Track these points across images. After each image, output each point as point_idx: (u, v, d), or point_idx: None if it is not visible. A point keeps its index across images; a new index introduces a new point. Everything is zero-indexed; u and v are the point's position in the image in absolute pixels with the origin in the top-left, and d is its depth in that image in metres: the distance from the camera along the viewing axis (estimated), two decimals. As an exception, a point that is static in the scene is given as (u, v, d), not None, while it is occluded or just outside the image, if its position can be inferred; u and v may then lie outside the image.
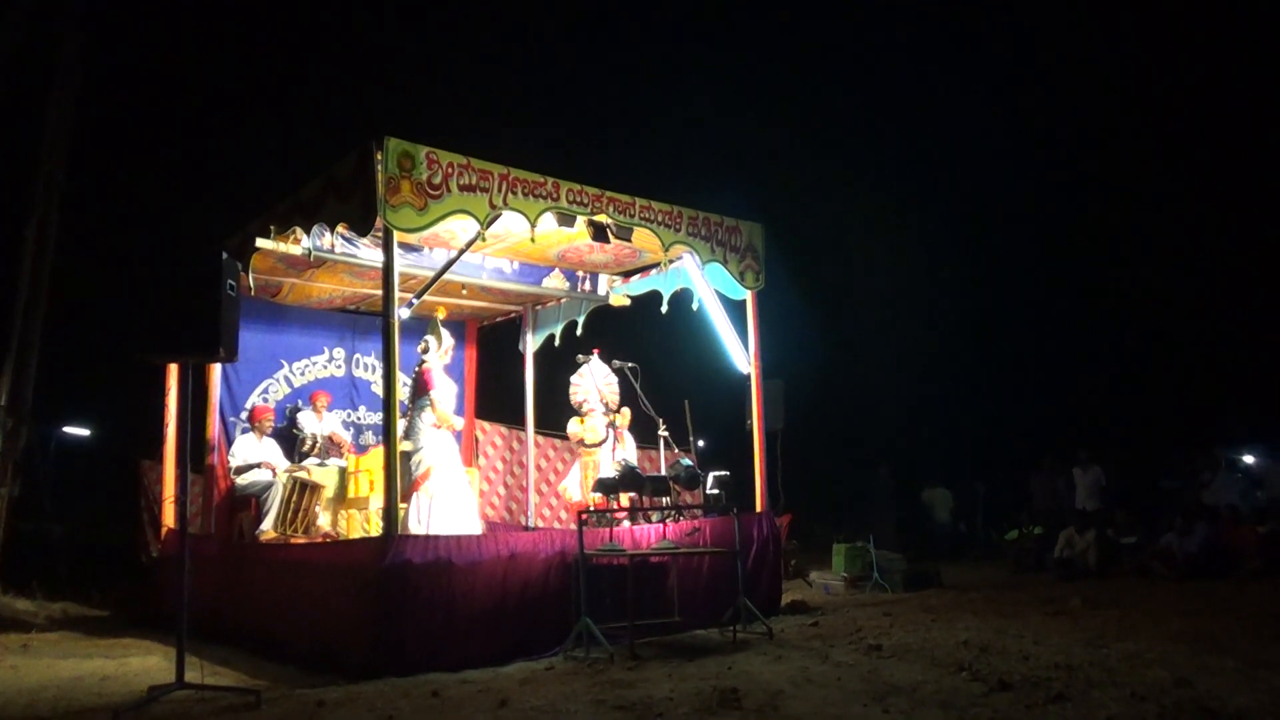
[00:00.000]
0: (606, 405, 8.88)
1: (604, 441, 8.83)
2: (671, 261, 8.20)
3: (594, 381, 8.91)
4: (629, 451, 8.94)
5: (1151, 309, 20.63)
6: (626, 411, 9.02)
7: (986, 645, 5.65)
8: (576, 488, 9.05)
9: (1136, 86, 21.42)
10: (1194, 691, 4.36)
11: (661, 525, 7.23)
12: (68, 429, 10.91)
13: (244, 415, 8.89)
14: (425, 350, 8.08)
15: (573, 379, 9.02)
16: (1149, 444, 16.46)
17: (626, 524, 7.22)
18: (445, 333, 8.28)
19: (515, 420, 10.69)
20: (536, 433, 10.41)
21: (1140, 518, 11.87)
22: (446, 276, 7.91)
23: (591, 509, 8.06)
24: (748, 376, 8.28)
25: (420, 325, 8.87)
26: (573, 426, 9.07)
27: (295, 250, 7.58)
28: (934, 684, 4.72)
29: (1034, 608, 7.57)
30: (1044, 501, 13.14)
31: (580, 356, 9.05)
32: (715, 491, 7.58)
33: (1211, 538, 9.86)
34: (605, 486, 7.36)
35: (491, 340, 10.99)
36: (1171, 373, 19.94)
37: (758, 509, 8.02)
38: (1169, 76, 20.56)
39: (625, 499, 7.61)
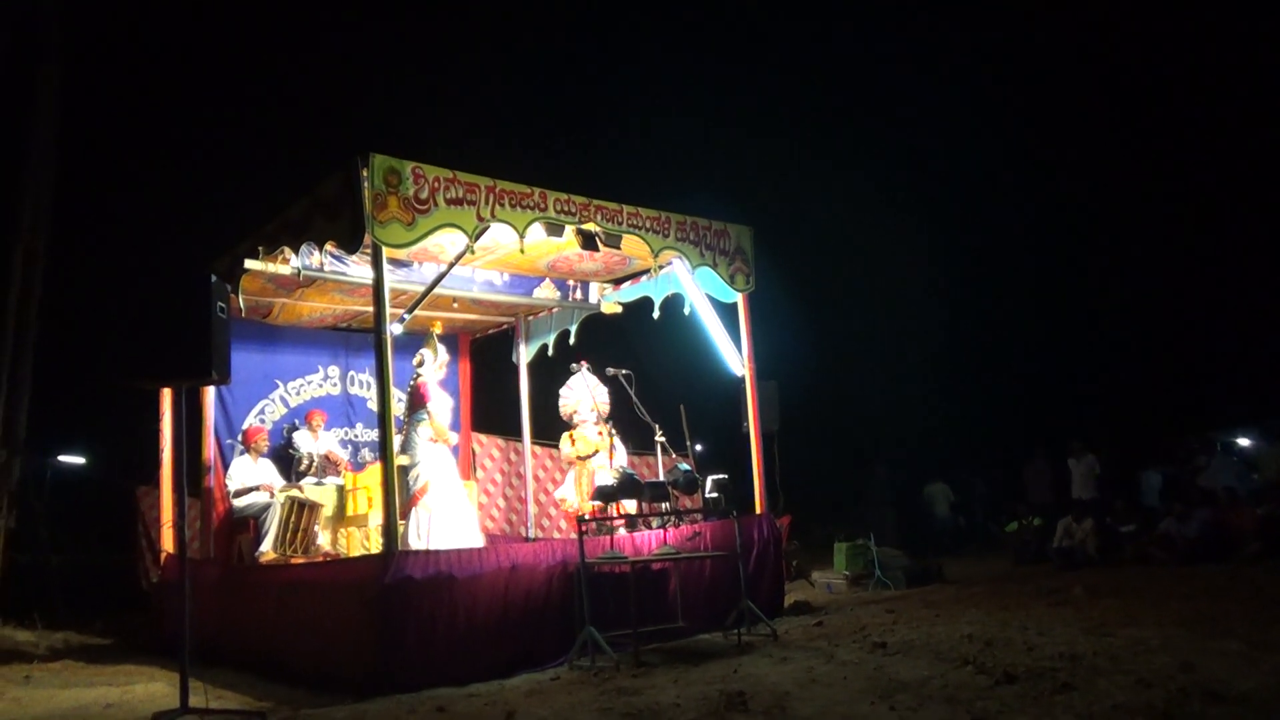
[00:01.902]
0: (598, 414, 8.66)
1: (598, 452, 8.59)
2: (661, 267, 8.21)
3: (585, 391, 8.70)
4: (621, 458, 8.77)
5: (1139, 294, 20.71)
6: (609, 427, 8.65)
7: (991, 638, 5.66)
8: (573, 495, 8.78)
9: (1123, 77, 21.51)
10: (1199, 676, 4.37)
11: (662, 531, 7.23)
12: (63, 458, 10.84)
13: (239, 437, 8.87)
14: (420, 364, 8.08)
15: (562, 391, 8.80)
16: (1142, 430, 16.50)
17: (624, 531, 7.21)
18: (441, 346, 8.27)
19: (512, 431, 10.67)
20: (534, 443, 10.40)
21: (1137, 505, 11.91)
22: (437, 291, 7.91)
23: (586, 517, 8.04)
24: (742, 379, 8.29)
25: (413, 340, 8.87)
26: (564, 447, 8.77)
27: (284, 270, 7.58)
28: (940, 679, 4.73)
29: (1036, 599, 7.59)
30: (1039, 493, 13.17)
31: (573, 365, 8.85)
32: (714, 495, 7.58)
33: (1210, 522, 9.89)
34: (604, 494, 7.35)
35: (485, 352, 10.99)
36: (1162, 358, 20.01)
37: (757, 511, 8.02)
38: (1157, 68, 20.66)
39: (625, 506, 7.59)
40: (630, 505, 7.57)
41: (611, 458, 8.31)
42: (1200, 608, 6.43)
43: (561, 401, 8.79)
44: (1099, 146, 21.85)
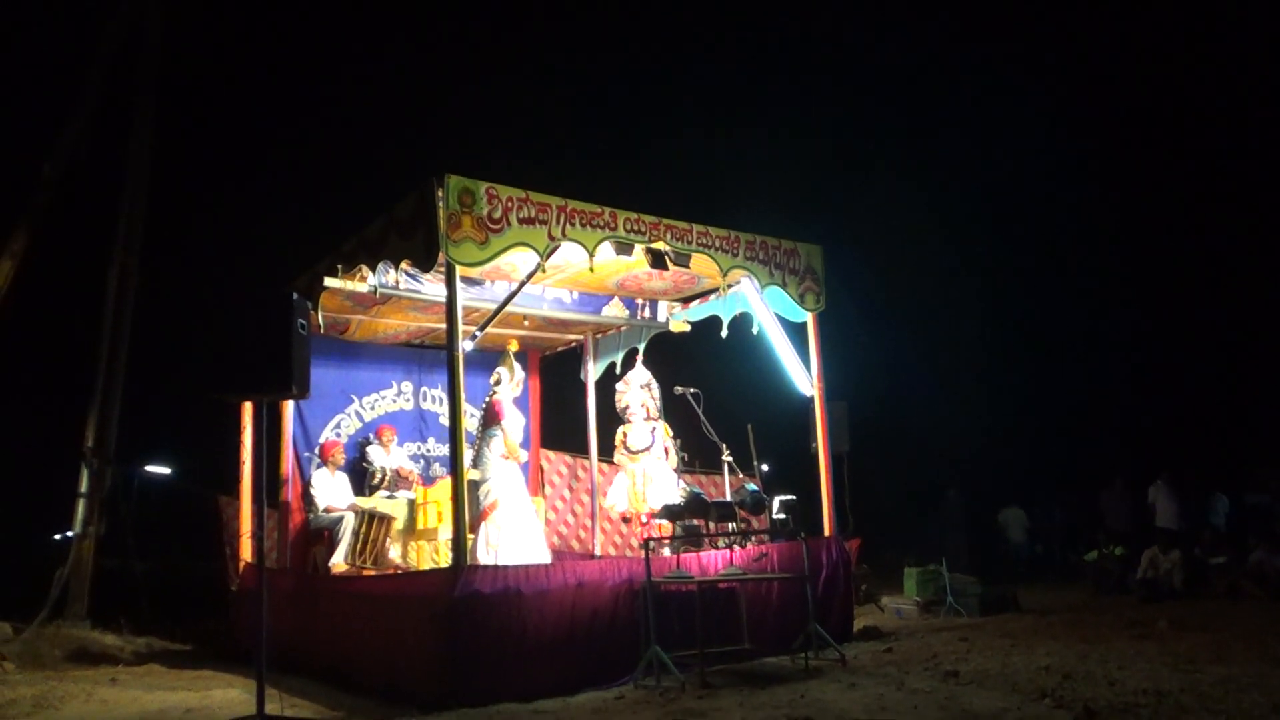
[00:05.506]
0: (646, 411, 8.78)
1: (650, 447, 8.68)
2: (730, 286, 8.20)
3: (637, 387, 8.85)
4: (671, 464, 8.72)
5: (1226, 313, 19.93)
6: (665, 426, 8.86)
7: (1069, 671, 5.47)
8: (623, 497, 8.83)
9: (1214, 87, 20.71)
10: (1294, 717, 4.17)
11: (729, 551, 7.18)
12: (150, 468, 11.27)
13: (316, 450, 9.10)
14: (498, 381, 8.20)
15: (618, 386, 9.02)
16: (1232, 457, 15.82)
17: (669, 552, 7.17)
18: (517, 365, 8.37)
19: (579, 449, 10.74)
20: (600, 461, 10.44)
21: (1228, 536, 11.43)
22: (508, 309, 8.02)
23: (638, 518, 8.08)
24: (811, 399, 8.21)
25: (484, 357, 9.00)
26: (618, 438, 8.98)
27: (362, 288, 7.76)
28: (1015, 712, 4.59)
29: (1118, 631, 7.32)
30: (1116, 520, 12.73)
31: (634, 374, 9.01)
32: (782, 516, 7.51)
33: (1306, 555, 9.44)
34: (671, 512, 7.34)
35: (553, 369, 11.08)
36: (1251, 381, 19.19)
37: (826, 533, 7.91)
38: (1248, 72, 19.85)
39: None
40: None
41: (666, 456, 8.31)
42: (1296, 645, 6.13)
43: (617, 395, 9.00)
44: (1184, 166, 21.13)
